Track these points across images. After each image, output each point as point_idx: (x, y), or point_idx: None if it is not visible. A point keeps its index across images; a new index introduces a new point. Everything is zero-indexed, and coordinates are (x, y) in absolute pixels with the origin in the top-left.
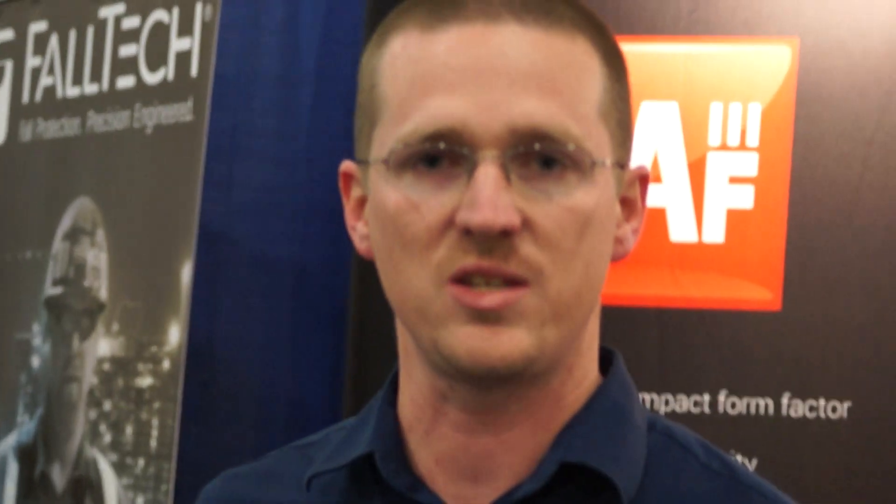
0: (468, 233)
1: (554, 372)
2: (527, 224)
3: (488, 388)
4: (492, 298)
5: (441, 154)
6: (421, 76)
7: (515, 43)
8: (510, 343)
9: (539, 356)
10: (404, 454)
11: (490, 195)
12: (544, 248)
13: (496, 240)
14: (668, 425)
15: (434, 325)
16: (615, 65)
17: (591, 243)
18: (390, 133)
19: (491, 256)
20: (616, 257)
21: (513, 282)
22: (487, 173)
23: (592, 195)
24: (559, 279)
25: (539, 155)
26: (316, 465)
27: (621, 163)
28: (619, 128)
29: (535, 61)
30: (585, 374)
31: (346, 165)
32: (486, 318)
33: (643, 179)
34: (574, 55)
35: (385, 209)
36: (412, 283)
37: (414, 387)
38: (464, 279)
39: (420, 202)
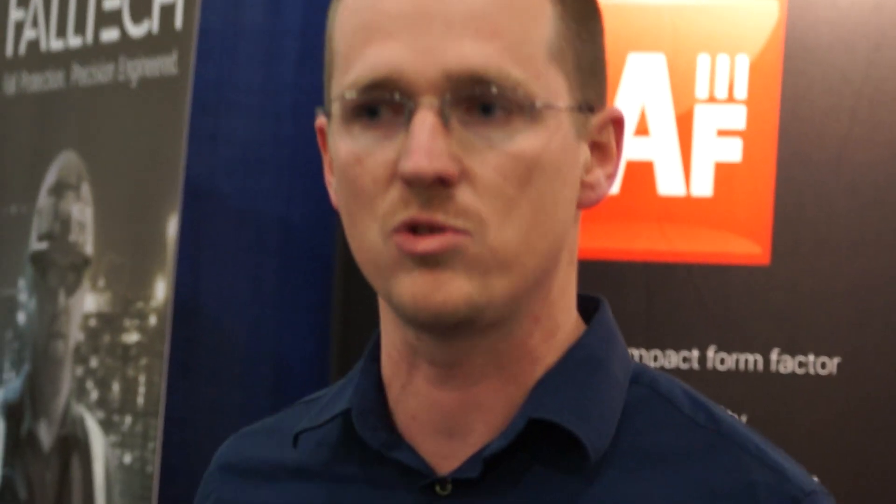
0: (409, 183)
1: (516, 322)
2: (466, 173)
3: (449, 339)
4: (428, 242)
5: (380, 104)
6: (362, 26)
7: None
8: (450, 287)
9: (486, 304)
10: (385, 410)
11: (422, 142)
12: (484, 197)
13: (434, 190)
14: (655, 377)
15: (385, 277)
16: (573, 3)
17: (540, 189)
18: (338, 85)
19: (430, 207)
20: (588, 203)
21: (453, 232)
22: (423, 120)
23: (539, 139)
24: (502, 228)
25: (480, 99)
26: (303, 422)
27: (586, 105)
28: (579, 70)
29: (475, 3)
30: (558, 325)
31: (321, 121)
32: (427, 262)
33: (617, 122)
34: None
35: (338, 162)
36: (365, 236)
37: (389, 342)
38: (410, 229)
39: (365, 154)
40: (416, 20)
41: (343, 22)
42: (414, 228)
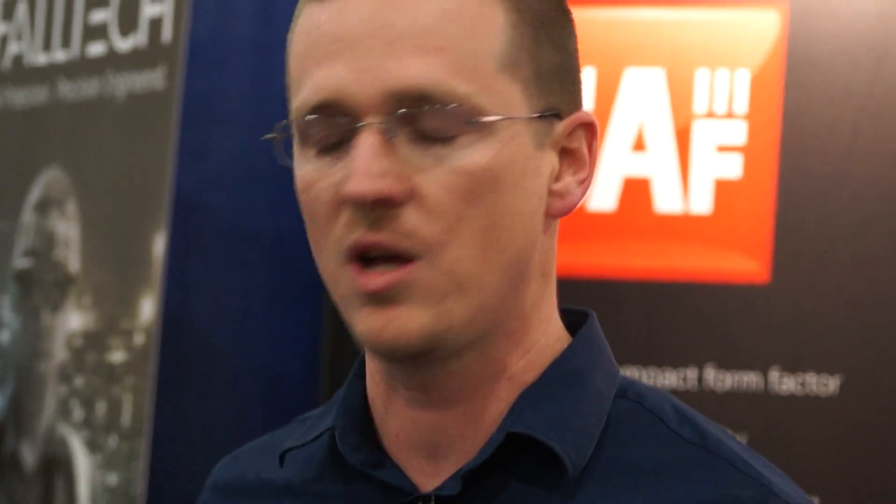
0: (355, 206)
1: (488, 340)
2: (414, 192)
3: (418, 366)
4: (378, 280)
5: (328, 126)
6: (309, 48)
7: (398, 2)
8: (400, 322)
9: (445, 331)
10: (371, 428)
11: (362, 164)
12: (433, 217)
13: (381, 212)
14: (642, 392)
15: (344, 306)
16: (530, 9)
17: (493, 203)
18: (292, 108)
19: (377, 230)
20: (559, 212)
21: (402, 256)
22: (364, 141)
23: (488, 152)
24: (455, 248)
25: (426, 116)
26: (289, 441)
27: (550, 112)
28: (538, 77)
29: (417, 18)
30: (534, 340)
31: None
32: (378, 299)
33: (588, 127)
34: (465, 6)
35: (297, 182)
36: (323, 261)
37: (372, 364)
38: (361, 255)
39: (317, 178)
40: (358, 40)
41: (294, 46)
42: (366, 256)
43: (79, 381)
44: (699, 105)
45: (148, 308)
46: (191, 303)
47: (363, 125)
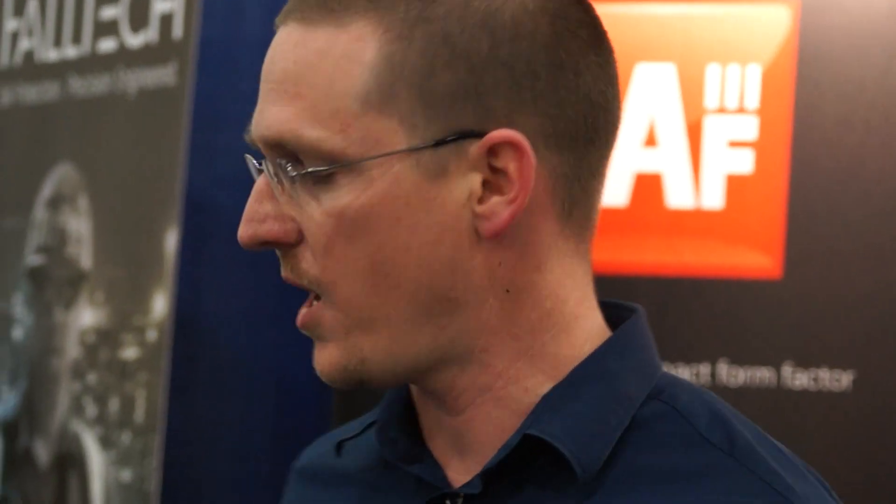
0: None
1: (462, 360)
2: (302, 234)
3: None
4: (299, 317)
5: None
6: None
7: (281, 47)
8: (322, 356)
9: (360, 364)
10: (412, 421)
11: (246, 209)
12: (317, 257)
13: (284, 251)
14: (677, 393)
15: None
16: (426, 34)
17: (375, 242)
18: None
19: (285, 268)
20: (490, 233)
21: (311, 294)
22: (257, 184)
23: (356, 193)
24: (342, 287)
25: (288, 162)
26: (346, 431)
27: (451, 137)
28: (428, 103)
29: (288, 65)
30: (509, 362)
31: None
32: (310, 335)
33: (512, 144)
34: (333, 46)
35: None
36: None
37: None
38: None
39: None
40: (261, 85)
41: None
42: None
43: (92, 378)
44: (710, 100)
45: (160, 304)
46: (202, 301)
47: (259, 168)
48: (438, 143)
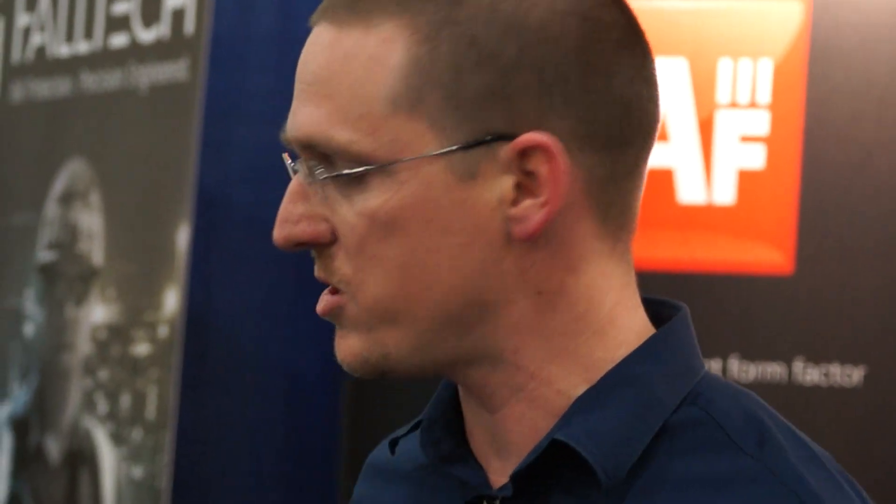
0: None
1: (491, 360)
2: (334, 234)
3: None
4: (320, 304)
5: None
6: None
7: (312, 48)
8: (343, 345)
9: (383, 357)
10: (459, 422)
11: (280, 210)
12: (348, 257)
13: (317, 251)
14: (713, 397)
15: None
16: (451, 36)
17: (406, 243)
18: None
19: (317, 267)
20: (524, 236)
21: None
22: (290, 186)
23: (388, 195)
24: (371, 287)
25: (320, 163)
26: (399, 430)
27: (478, 140)
28: (457, 106)
29: (320, 66)
30: (537, 366)
31: None
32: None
33: (543, 147)
34: (362, 48)
35: None
36: None
37: None
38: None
39: None
40: (296, 85)
41: None
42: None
43: (103, 374)
44: (722, 95)
45: (172, 300)
46: (213, 297)
47: (293, 169)
48: (467, 146)
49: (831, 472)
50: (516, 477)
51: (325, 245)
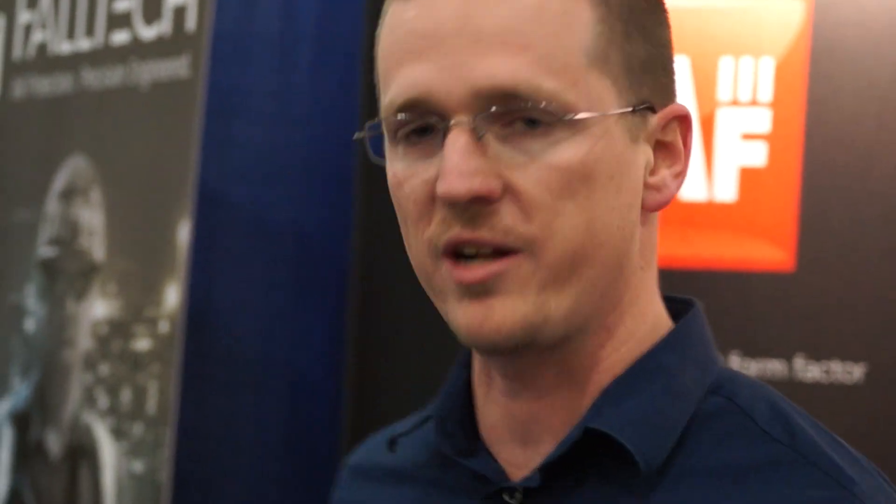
0: (450, 204)
1: (586, 334)
2: (510, 189)
3: (515, 356)
4: (475, 272)
5: (418, 125)
6: (396, 46)
7: (472, 2)
8: (502, 313)
9: (543, 323)
10: (471, 416)
11: (454, 163)
12: (530, 212)
13: (477, 208)
14: (737, 388)
15: (441, 299)
16: (618, 3)
17: (592, 199)
18: (381, 105)
19: (474, 227)
20: (655, 205)
21: (502, 250)
22: (455, 140)
23: (582, 148)
24: (552, 242)
25: (512, 115)
26: (400, 427)
27: (642, 105)
28: (629, 70)
29: (502, 16)
30: (631, 334)
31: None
32: (476, 291)
33: (683, 119)
34: (547, 3)
35: (389, 181)
36: (417, 257)
37: (474, 353)
38: (456, 250)
39: (407, 176)
40: (444, 38)
41: (382, 42)
42: (461, 252)
43: (104, 369)
44: (723, 93)
45: (172, 296)
46: (214, 295)
47: (453, 124)
48: (635, 110)
49: (857, 458)
50: (546, 467)
51: (492, 202)
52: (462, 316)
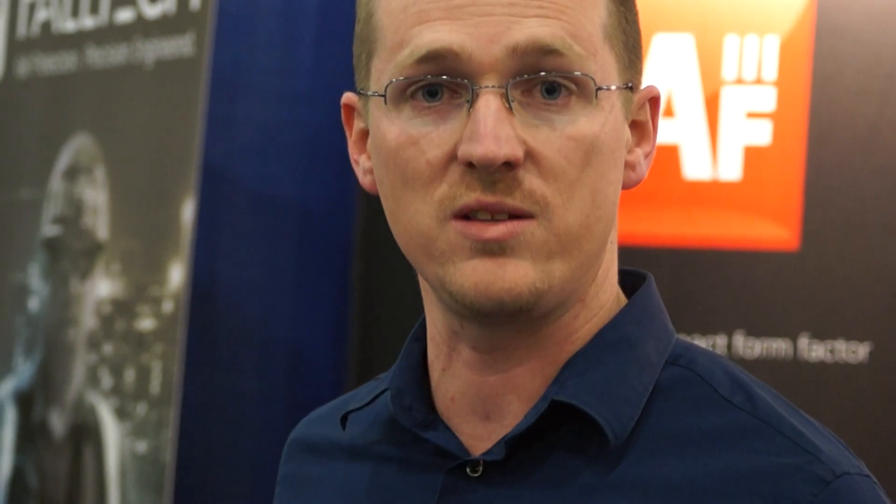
0: (471, 167)
1: (566, 306)
2: (530, 155)
3: (497, 325)
4: (497, 229)
5: (440, 85)
6: (416, 3)
7: None
8: (515, 274)
9: (547, 290)
10: (425, 390)
11: (492, 127)
12: (549, 179)
13: (499, 173)
14: (694, 358)
15: (440, 262)
16: None
17: (598, 171)
18: (386, 62)
19: (494, 191)
20: (629, 184)
21: (518, 215)
22: (489, 103)
23: (597, 121)
24: (566, 210)
25: (542, 81)
26: (352, 403)
27: (629, 85)
28: (626, 50)
29: None
30: (601, 305)
31: (347, 97)
32: (492, 250)
33: (653, 101)
34: None
35: (386, 144)
36: (415, 220)
37: (432, 326)
38: (468, 215)
39: (420, 136)
40: (477, 2)
41: (392, 2)
42: (473, 215)
43: (107, 349)
44: (728, 71)
45: (176, 275)
46: (218, 272)
47: (486, 87)
48: (627, 88)
49: (815, 425)
50: (513, 440)
51: (515, 167)
52: (472, 273)
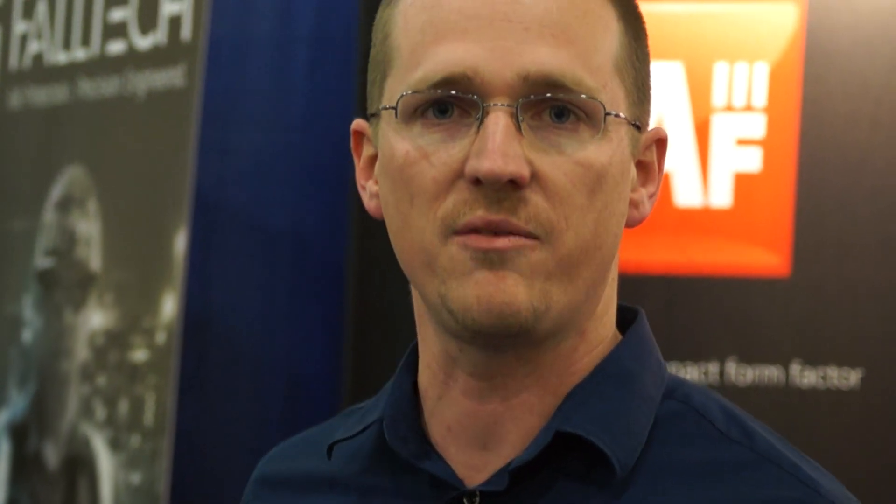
0: (477, 183)
1: (565, 335)
2: (536, 177)
3: (497, 350)
4: (499, 241)
5: (451, 102)
6: (432, 23)
7: None
8: (515, 289)
9: (545, 311)
10: (419, 420)
11: (500, 143)
12: (554, 202)
13: (505, 192)
14: (689, 392)
15: (442, 279)
16: (633, 23)
17: (603, 201)
18: (401, 81)
19: (500, 209)
20: (631, 222)
21: (521, 235)
22: (498, 121)
23: (605, 151)
24: (569, 236)
25: (552, 105)
26: (337, 433)
27: (637, 123)
28: (636, 87)
29: (550, 10)
30: (600, 339)
31: (357, 123)
32: (492, 261)
33: (660, 143)
34: (589, 6)
35: (394, 159)
36: (419, 236)
37: (428, 353)
38: (472, 232)
39: (429, 152)
40: (492, 22)
41: (407, 19)
42: (475, 231)
43: (101, 380)
44: (718, 98)
45: (169, 306)
46: (212, 301)
47: (496, 105)
48: (636, 126)
49: (809, 460)
50: (516, 471)
51: (522, 187)
52: (474, 287)
